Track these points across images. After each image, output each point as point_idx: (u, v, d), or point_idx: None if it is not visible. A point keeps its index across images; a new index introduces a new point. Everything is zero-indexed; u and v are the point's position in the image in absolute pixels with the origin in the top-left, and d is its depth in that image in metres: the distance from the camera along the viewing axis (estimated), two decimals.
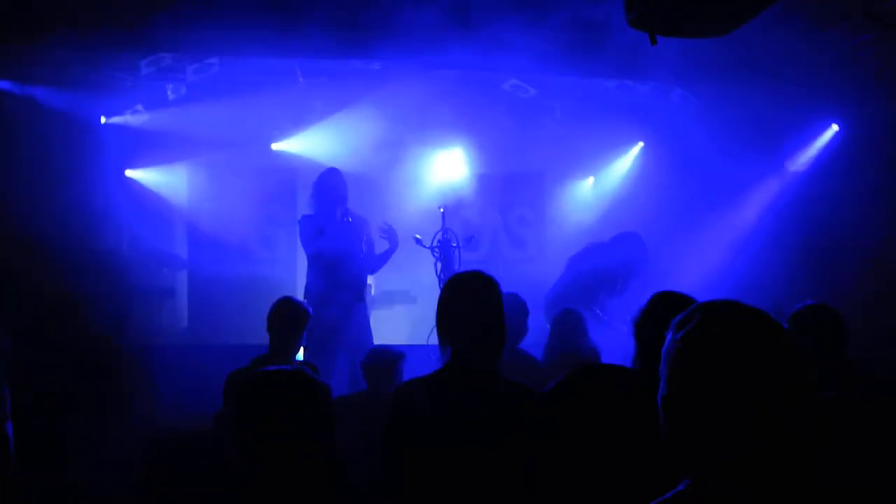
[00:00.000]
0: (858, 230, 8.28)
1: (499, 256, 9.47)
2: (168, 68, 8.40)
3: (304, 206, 9.41)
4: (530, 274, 9.23)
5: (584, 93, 9.45)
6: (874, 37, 7.39)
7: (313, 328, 6.89)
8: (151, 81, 8.51)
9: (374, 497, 3.21)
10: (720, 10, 5.69)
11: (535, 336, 6.24)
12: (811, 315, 4.11)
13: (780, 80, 8.14)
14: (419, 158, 9.80)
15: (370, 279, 7.92)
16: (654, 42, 5.95)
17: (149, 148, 9.03)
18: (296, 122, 9.34)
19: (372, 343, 7.01)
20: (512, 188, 9.66)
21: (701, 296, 2.85)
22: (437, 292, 7.51)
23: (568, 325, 6.01)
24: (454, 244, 7.52)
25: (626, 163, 10.08)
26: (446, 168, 10.06)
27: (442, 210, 7.83)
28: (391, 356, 5.32)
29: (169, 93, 8.79)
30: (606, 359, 6.13)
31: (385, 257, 7.50)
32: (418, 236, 7.56)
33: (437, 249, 7.47)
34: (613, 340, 6.70)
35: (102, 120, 8.81)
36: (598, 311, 7.41)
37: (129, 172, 9.20)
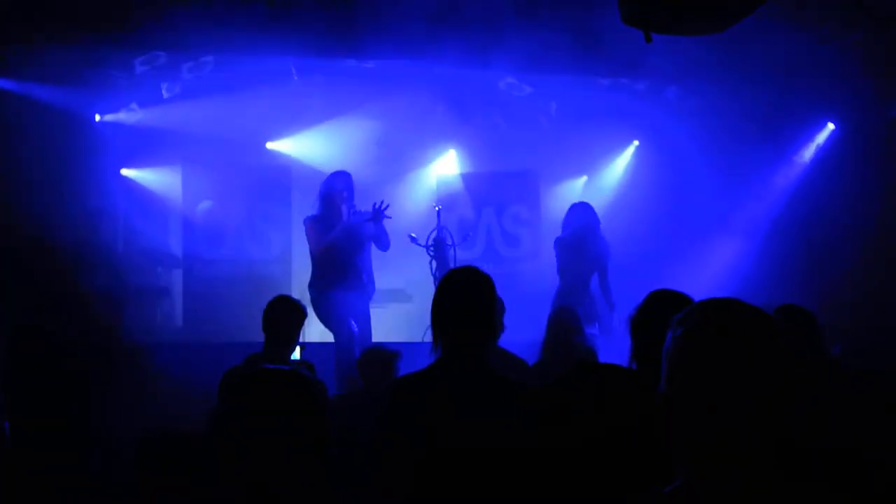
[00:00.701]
0: (855, 228, 8.30)
1: (493, 255, 9.48)
2: (163, 67, 8.39)
3: (299, 205, 9.44)
4: (524, 272, 9.25)
5: (578, 91, 9.45)
6: (864, 35, 7.41)
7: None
8: (146, 80, 8.50)
9: (369, 495, 3.21)
10: (714, 9, 5.71)
11: (532, 334, 6.24)
12: (784, 317, 4.12)
13: (775, 79, 8.16)
14: (414, 157, 9.80)
15: None
16: (648, 40, 5.96)
17: (144, 146, 9.03)
18: (290, 120, 9.33)
19: (371, 340, 7.03)
20: (506, 186, 9.66)
21: (697, 294, 2.86)
22: (432, 290, 7.54)
23: (563, 323, 6.00)
24: (449, 243, 7.53)
25: (620, 161, 10.08)
26: (441, 167, 10.07)
27: (437, 209, 7.84)
28: (387, 354, 5.32)
29: (164, 91, 8.78)
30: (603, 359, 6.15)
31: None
32: (413, 235, 7.57)
33: (432, 248, 7.48)
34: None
35: (97, 118, 8.79)
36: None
37: (124, 171, 9.18)
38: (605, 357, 5.87)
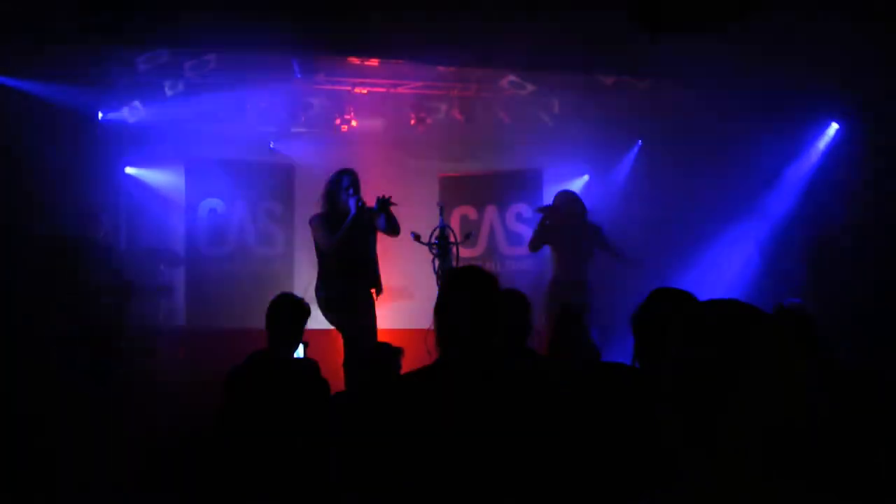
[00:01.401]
0: (860, 228, 8.30)
1: (496, 253, 9.48)
2: (165, 65, 8.39)
3: (301, 202, 9.44)
4: (527, 271, 9.26)
5: (581, 89, 9.45)
6: (868, 33, 7.40)
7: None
8: (149, 78, 8.51)
9: (372, 492, 3.21)
10: (720, 8, 5.72)
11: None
12: (783, 316, 4.13)
13: (780, 78, 8.15)
14: (417, 155, 9.80)
15: None
16: (654, 40, 5.97)
17: (146, 144, 9.04)
18: (293, 118, 9.33)
19: (376, 339, 7.03)
20: (509, 185, 9.66)
21: (699, 292, 2.86)
22: (434, 288, 7.54)
23: (568, 321, 5.99)
24: (452, 241, 7.53)
25: (624, 160, 10.09)
26: (444, 164, 10.09)
27: (439, 207, 7.84)
28: (390, 352, 5.31)
29: (166, 89, 8.78)
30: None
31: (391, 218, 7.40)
32: (416, 233, 7.57)
33: (434, 246, 7.48)
34: None
35: (100, 116, 8.80)
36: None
37: (127, 168, 9.19)
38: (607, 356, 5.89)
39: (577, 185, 9.82)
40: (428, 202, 9.35)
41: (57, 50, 7.31)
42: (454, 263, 7.43)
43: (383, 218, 7.22)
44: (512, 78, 9.29)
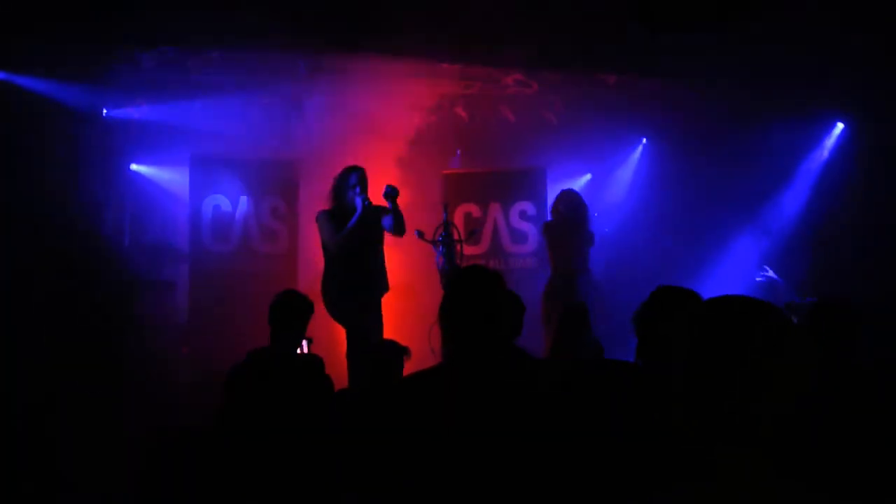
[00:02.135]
0: (866, 227, 8.29)
1: (500, 251, 9.48)
2: (170, 61, 8.39)
3: (305, 199, 9.44)
4: (531, 269, 9.26)
5: (585, 87, 9.45)
6: (875, 34, 7.40)
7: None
8: (153, 74, 8.51)
9: (374, 492, 3.21)
10: (720, 6, 5.71)
11: (537, 329, 6.25)
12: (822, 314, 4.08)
13: (785, 76, 8.14)
14: (421, 153, 9.79)
15: None
16: (655, 37, 5.97)
17: (150, 140, 9.03)
18: (298, 114, 9.33)
19: (380, 336, 7.04)
20: (513, 183, 9.66)
21: (704, 291, 2.86)
22: (438, 286, 7.54)
23: (572, 320, 6.00)
24: (456, 238, 7.53)
25: (628, 159, 10.08)
26: (448, 162, 10.09)
27: (444, 204, 7.84)
28: (395, 350, 5.31)
29: (170, 85, 8.78)
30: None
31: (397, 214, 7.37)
32: (420, 230, 7.58)
33: (439, 244, 7.48)
34: None
35: (104, 112, 8.80)
36: None
37: (128, 165, 9.19)
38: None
39: (581, 183, 9.82)
40: (432, 200, 9.36)
41: (61, 47, 7.31)
42: (458, 261, 7.43)
43: (390, 218, 7.22)
44: (516, 76, 9.29)
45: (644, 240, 8.92)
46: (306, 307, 5.26)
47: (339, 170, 7.54)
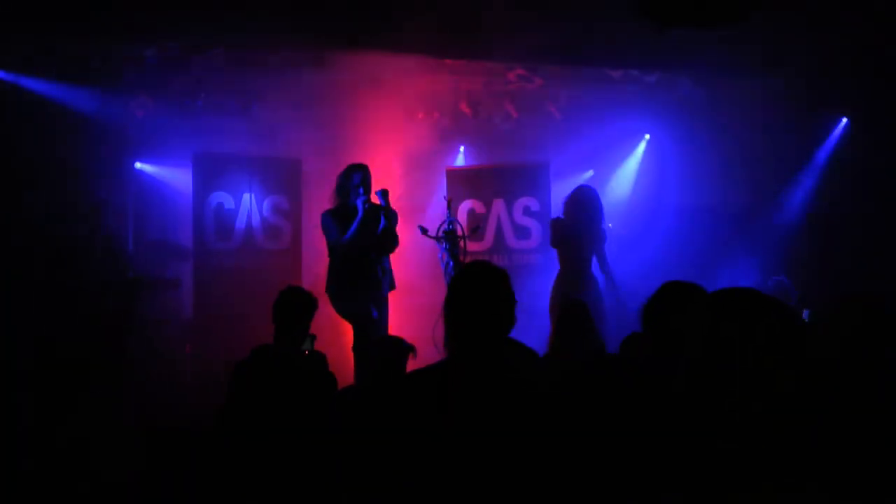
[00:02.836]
0: (870, 221, 8.28)
1: (503, 247, 9.47)
2: (173, 58, 8.39)
3: (309, 196, 9.44)
4: (534, 264, 9.25)
5: (589, 83, 9.44)
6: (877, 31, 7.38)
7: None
8: (156, 71, 8.51)
9: (378, 488, 3.21)
10: (727, 3, 5.69)
11: (542, 325, 6.24)
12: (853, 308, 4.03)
13: (789, 72, 8.13)
14: (424, 149, 9.79)
15: None
16: (661, 33, 5.95)
17: (153, 137, 9.03)
18: (301, 111, 9.32)
19: (385, 333, 7.03)
20: (516, 178, 9.64)
21: (709, 286, 2.84)
22: (442, 282, 7.52)
23: (573, 316, 5.98)
24: (459, 234, 7.52)
25: (632, 154, 10.07)
26: (451, 158, 10.08)
27: (447, 200, 7.83)
28: (400, 347, 5.30)
29: (174, 83, 8.78)
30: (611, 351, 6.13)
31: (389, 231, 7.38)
32: (423, 227, 7.57)
33: (442, 239, 7.47)
34: None
35: (107, 111, 8.79)
36: None
37: (132, 162, 9.18)
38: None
39: (584, 178, 9.81)
40: (435, 196, 9.35)
41: (63, 46, 7.31)
42: (462, 257, 7.42)
43: (381, 225, 7.21)
44: (519, 71, 9.28)
45: (648, 235, 8.90)
46: (310, 304, 5.25)
47: (342, 166, 7.53)
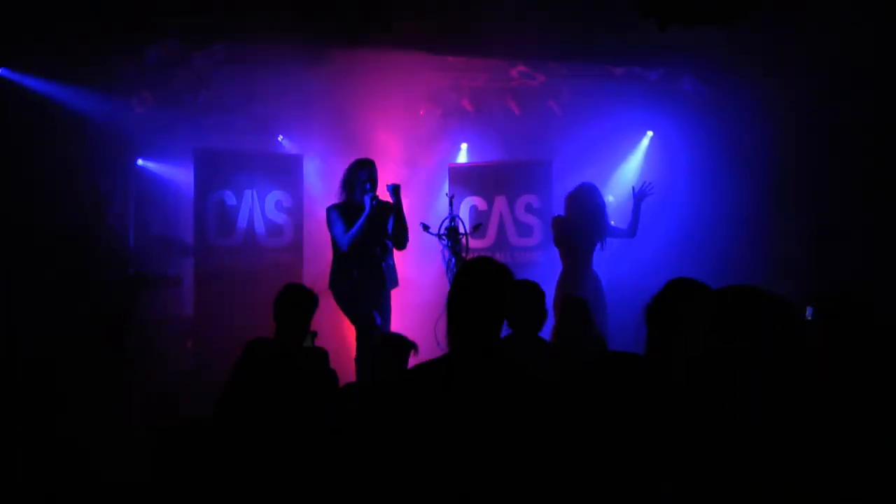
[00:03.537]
0: (871, 222, 8.27)
1: (506, 244, 9.47)
2: (174, 55, 8.38)
3: (310, 193, 9.45)
4: (536, 261, 9.25)
5: (591, 80, 9.43)
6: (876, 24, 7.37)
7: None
8: (157, 68, 8.50)
9: (382, 484, 3.20)
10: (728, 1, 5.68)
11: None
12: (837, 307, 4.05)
13: (791, 71, 8.12)
14: (426, 146, 9.79)
15: None
16: (662, 29, 5.93)
17: (155, 134, 9.03)
18: (302, 108, 9.31)
19: (388, 331, 7.04)
20: (518, 176, 9.63)
21: (713, 284, 2.83)
22: (444, 279, 7.51)
23: (572, 314, 5.99)
24: (461, 231, 7.52)
25: (634, 151, 10.05)
26: (453, 155, 10.08)
27: (449, 197, 7.83)
28: (402, 345, 5.30)
29: (175, 80, 8.77)
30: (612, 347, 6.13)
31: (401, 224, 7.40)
32: (425, 224, 7.57)
33: (444, 237, 7.47)
34: None
35: (109, 107, 8.79)
36: None
37: (133, 159, 9.18)
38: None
39: (586, 175, 9.80)
40: (437, 193, 9.35)
41: (63, 43, 7.30)
42: (464, 254, 7.42)
43: (391, 222, 7.22)
44: (521, 68, 9.27)
45: (652, 231, 8.88)
46: (310, 301, 5.25)
47: (344, 163, 7.53)
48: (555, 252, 8.29)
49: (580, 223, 7.96)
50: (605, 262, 8.32)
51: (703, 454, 1.70)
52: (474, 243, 8.28)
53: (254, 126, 9.32)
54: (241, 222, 9.10)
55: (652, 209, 9.05)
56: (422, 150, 9.76)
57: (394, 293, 7.55)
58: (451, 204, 7.70)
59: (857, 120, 8.61)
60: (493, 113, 9.94)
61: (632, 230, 8.13)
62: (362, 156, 7.47)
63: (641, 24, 5.86)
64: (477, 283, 3.21)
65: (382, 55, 8.37)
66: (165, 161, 9.34)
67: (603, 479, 2.67)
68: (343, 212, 7.18)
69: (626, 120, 9.64)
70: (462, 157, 10.13)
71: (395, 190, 7.24)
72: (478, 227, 8.38)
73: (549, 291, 7.94)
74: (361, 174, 7.18)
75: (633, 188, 8.18)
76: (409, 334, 5.51)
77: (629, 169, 9.97)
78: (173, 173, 9.40)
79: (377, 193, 7.17)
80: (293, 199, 9.29)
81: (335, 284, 7.24)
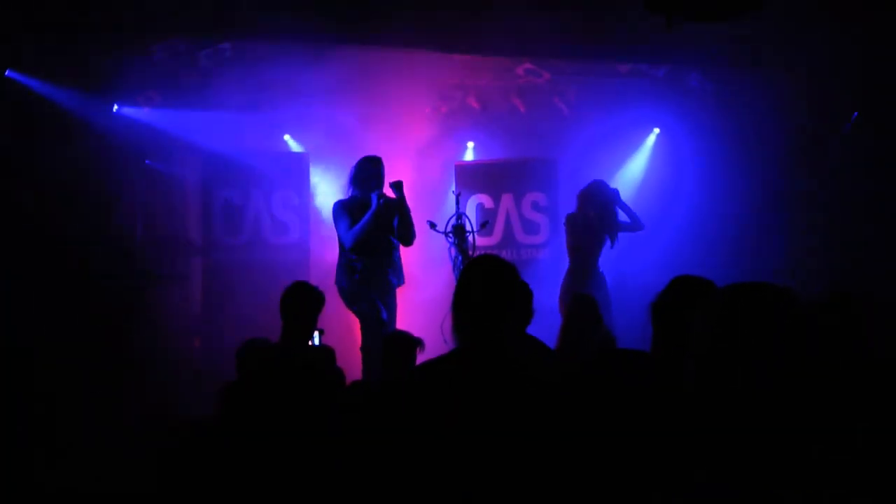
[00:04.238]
0: (882, 216, 8.25)
1: (512, 241, 9.46)
2: (181, 54, 8.38)
3: (317, 191, 9.45)
4: (543, 259, 9.24)
5: (597, 77, 9.42)
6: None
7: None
8: (164, 68, 8.50)
9: (387, 482, 3.20)
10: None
11: (551, 320, 6.23)
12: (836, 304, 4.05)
13: (799, 67, 8.09)
14: (433, 143, 9.78)
15: None
16: (669, 27, 5.92)
17: (162, 134, 9.03)
18: (309, 106, 9.31)
19: (394, 328, 7.05)
20: (525, 173, 9.62)
21: (720, 281, 2.82)
22: (450, 277, 7.51)
23: (581, 311, 5.97)
24: (468, 229, 7.52)
25: (641, 149, 10.04)
26: (460, 153, 10.07)
27: (456, 195, 7.83)
28: (408, 342, 5.30)
29: (182, 79, 8.78)
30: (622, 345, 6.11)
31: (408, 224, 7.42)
32: (432, 221, 7.57)
33: (450, 234, 7.47)
34: None
35: (115, 108, 8.80)
36: None
37: (140, 158, 9.18)
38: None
39: (593, 172, 9.79)
40: (444, 191, 9.34)
41: (70, 42, 7.31)
42: (470, 252, 7.42)
43: (397, 219, 7.23)
44: (527, 66, 9.26)
45: (659, 228, 8.87)
46: (317, 300, 5.25)
47: (350, 161, 7.53)
48: (561, 249, 8.29)
49: (592, 220, 7.98)
50: (613, 259, 8.32)
51: (705, 454, 1.69)
52: (481, 241, 8.28)
53: (260, 124, 9.32)
54: (248, 220, 9.11)
55: (660, 206, 9.05)
56: (428, 149, 9.75)
57: (400, 291, 7.55)
58: (457, 202, 7.70)
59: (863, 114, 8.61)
60: (499, 111, 9.93)
61: (635, 223, 8.14)
62: (369, 153, 7.48)
63: (648, 21, 5.85)
64: (482, 281, 3.21)
65: (388, 54, 8.37)
66: (173, 160, 9.34)
67: (612, 479, 2.66)
68: (349, 208, 7.18)
69: (633, 117, 9.63)
70: (469, 156, 10.12)
71: (397, 186, 7.26)
72: (485, 225, 8.38)
73: (555, 288, 7.97)
74: (368, 171, 7.19)
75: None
76: (416, 332, 5.52)
77: (636, 166, 9.95)
78: (181, 172, 9.40)
79: (384, 191, 7.18)
80: (300, 197, 9.29)
81: (341, 282, 7.25)
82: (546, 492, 2.81)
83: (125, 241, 8.57)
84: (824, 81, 8.40)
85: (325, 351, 5.18)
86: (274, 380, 3.80)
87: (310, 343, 5.43)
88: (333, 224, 7.32)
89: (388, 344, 5.37)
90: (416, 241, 7.52)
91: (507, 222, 9.50)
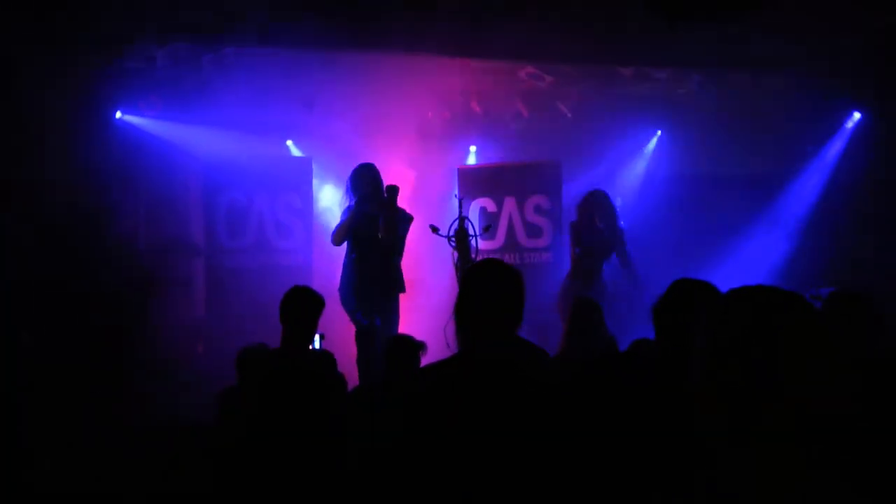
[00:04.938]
0: (883, 217, 8.24)
1: (515, 245, 9.45)
2: (183, 58, 8.39)
3: (320, 195, 9.47)
4: (546, 263, 9.23)
5: (599, 80, 9.42)
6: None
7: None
8: (167, 72, 8.52)
9: (389, 485, 3.20)
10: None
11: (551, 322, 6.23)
12: (837, 303, 4.05)
13: (801, 65, 8.09)
14: (435, 147, 9.79)
15: None
16: (670, 28, 5.93)
17: (165, 138, 9.03)
18: (312, 110, 9.32)
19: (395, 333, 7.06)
20: (528, 177, 9.61)
21: (721, 283, 2.82)
22: (453, 281, 7.51)
23: (583, 315, 5.97)
24: (471, 233, 7.52)
25: (643, 151, 10.04)
26: (462, 157, 10.08)
27: (458, 199, 7.83)
28: (411, 345, 5.30)
29: (184, 83, 8.79)
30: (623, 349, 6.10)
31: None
32: (434, 225, 7.57)
33: (453, 238, 7.47)
34: None
35: (118, 115, 8.81)
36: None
37: (142, 162, 9.18)
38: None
39: (595, 175, 9.79)
40: (446, 194, 9.34)
41: (73, 45, 7.32)
42: (473, 256, 7.42)
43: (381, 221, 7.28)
44: (530, 70, 9.26)
45: (660, 232, 8.86)
46: (316, 303, 5.24)
47: (353, 165, 7.57)
48: (565, 253, 8.29)
49: (590, 229, 8.01)
50: (615, 264, 8.31)
51: (705, 454, 1.68)
52: (484, 245, 8.27)
53: (264, 127, 9.33)
54: (251, 224, 9.10)
55: (662, 210, 9.04)
56: (431, 153, 9.75)
57: (402, 294, 7.56)
58: (460, 206, 7.70)
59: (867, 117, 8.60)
60: (501, 115, 9.93)
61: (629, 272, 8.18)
62: (371, 158, 7.52)
63: (649, 23, 5.86)
64: (485, 284, 3.20)
65: (390, 58, 8.38)
66: (176, 163, 9.34)
67: (613, 480, 2.66)
68: (348, 214, 7.29)
69: (635, 119, 9.63)
70: (471, 159, 10.12)
71: (389, 189, 7.32)
72: (487, 229, 8.38)
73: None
74: (362, 176, 7.26)
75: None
76: (419, 335, 5.51)
77: (638, 168, 9.95)
78: (184, 175, 9.40)
79: (379, 197, 7.25)
80: (302, 201, 9.29)
81: (341, 289, 7.31)
82: (549, 493, 2.80)
83: (128, 245, 8.58)
84: (824, 81, 8.40)
85: (326, 355, 5.18)
86: (273, 384, 3.79)
87: (310, 347, 5.42)
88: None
89: (391, 348, 5.36)
90: (419, 246, 7.55)
91: (510, 226, 9.48)
